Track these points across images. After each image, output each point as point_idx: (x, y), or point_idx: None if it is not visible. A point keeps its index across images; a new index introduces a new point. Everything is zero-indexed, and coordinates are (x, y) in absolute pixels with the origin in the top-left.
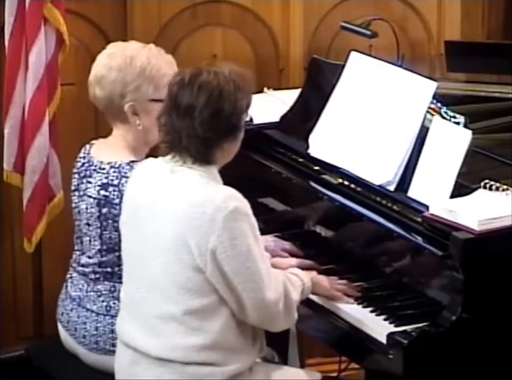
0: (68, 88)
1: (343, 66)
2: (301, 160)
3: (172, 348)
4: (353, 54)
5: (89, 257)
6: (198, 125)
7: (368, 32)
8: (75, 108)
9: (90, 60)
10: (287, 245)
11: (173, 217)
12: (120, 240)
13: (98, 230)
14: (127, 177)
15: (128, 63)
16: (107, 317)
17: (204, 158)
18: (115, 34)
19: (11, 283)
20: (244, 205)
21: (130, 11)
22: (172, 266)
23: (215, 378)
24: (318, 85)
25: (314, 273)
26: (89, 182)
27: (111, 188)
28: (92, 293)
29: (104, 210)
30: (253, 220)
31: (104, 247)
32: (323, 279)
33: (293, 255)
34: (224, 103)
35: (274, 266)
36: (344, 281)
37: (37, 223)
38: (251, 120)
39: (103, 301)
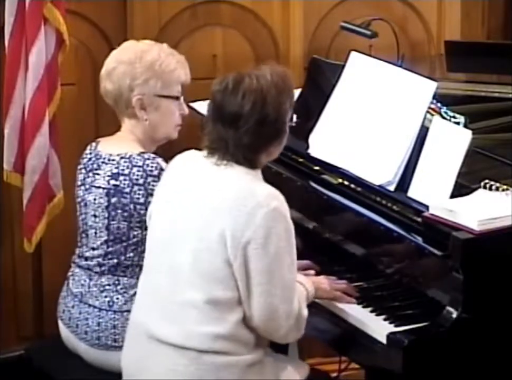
0: (68, 88)
1: (343, 66)
2: (301, 160)
3: (188, 335)
4: (353, 54)
5: (94, 249)
6: (245, 134)
7: (368, 32)
8: (75, 108)
9: (90, 60)
10: None
11: (214, 207)
12: (128, 230)
13: (106, 221)
14: (138, 166)
15: (139, 57)
16: (109, 312)
17: (250, 162)
18: (115, 34)
19: (11, 283)
20: (285, 208)
21: (130, 11)
22: (203, 254)
23: (230, 367)
24: (318, 85)
25: (312, 273)
26: (97, 174)
27: (121, 177)
28: (94, 289)
29: (114, 199)
30: (290, 224)
31: (111, 237)
32: (323, 282)
33: None
34: (269, 109)
35: None
36: (343, 281)
37: (37, 223)
38: (291, 119)
39: (106, 296)
